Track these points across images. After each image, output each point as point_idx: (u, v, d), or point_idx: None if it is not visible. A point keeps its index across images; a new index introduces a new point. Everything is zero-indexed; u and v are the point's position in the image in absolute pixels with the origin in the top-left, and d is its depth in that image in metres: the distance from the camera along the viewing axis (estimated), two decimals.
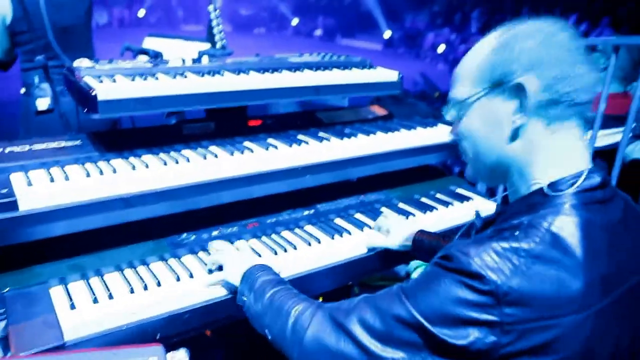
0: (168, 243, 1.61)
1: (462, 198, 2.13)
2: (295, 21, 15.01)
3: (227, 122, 1.94)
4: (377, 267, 1.78)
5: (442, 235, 1.69)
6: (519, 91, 1.00)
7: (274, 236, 1.75)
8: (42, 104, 2.24)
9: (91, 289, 1.39)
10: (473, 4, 13.04)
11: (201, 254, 1.62)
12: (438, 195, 2.15)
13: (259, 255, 1.61)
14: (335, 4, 15.82)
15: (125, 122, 2.53)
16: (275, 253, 1.63)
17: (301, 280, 1.57)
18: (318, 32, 15.45)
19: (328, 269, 1.64)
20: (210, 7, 2.37)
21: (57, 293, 1.38)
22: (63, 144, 1.63)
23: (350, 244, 1.74)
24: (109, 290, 1.38)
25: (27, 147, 1.58)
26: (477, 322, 0.90)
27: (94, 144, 1.67)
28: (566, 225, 0.94)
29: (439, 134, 2.18)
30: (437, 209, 2.03)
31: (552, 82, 0.97)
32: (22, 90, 2.73)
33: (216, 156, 1.67)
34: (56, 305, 1.32)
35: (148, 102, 1.56)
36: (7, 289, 1.36)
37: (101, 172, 1.48)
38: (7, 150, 1.56)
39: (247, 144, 1.81)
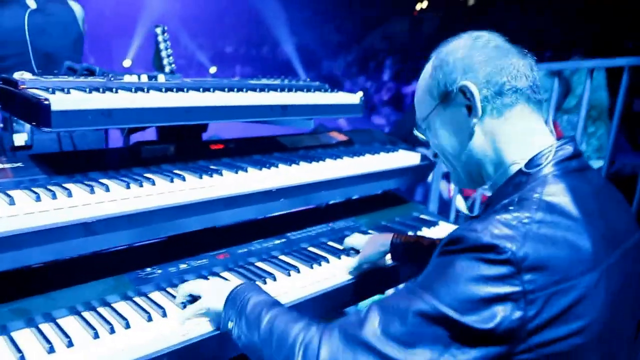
0: (131, 279, 1.37)
1: (429, 223, 2.05)
2: (213, 69, 14.89)
3: (187, 145, 1.74)
4: (363, 293, 1.63)
5: (418, 236, 1.65)
6: (464, 95, 1.08)
7: (248, 267, 1.55)
8: (19, 139, 1.95)
9: (44, 336, 1.12)
10: (387, 53, 13.64)
11: (170, 289, 1.39)
12: (404, 222, 2.06)
13: None
14: (253, 53, 15.91)
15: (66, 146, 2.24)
16: None
17: None
18: (236, 79, 15.30)
19: (313, 298, 1.47)
20: (158, 30, 2.19)
21: None
22: (1, 166, 1.36)
23: (331, 271, 1.58)
24: (67, 336, 1.12)
25: None
26: (501, 298, 0.86)
27: (40, 166, 1.41)
28: (556, 192, 0.97)
29: (401, 159, 2.11)
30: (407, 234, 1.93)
31: (488, 78, 1.05)
32: (0, 125, 2.44)
33: (184, 179, 1.47)
34: None
35: (109, 115, 1.34)
36: None
37: (54, 196, 1.23)
38: None
39: (213, 167, 1.62)
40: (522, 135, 1.07)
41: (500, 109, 1.06)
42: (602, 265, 0.93)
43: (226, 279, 1.47)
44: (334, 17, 16.96)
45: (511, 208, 0.95)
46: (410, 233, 1.92)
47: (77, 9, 2.74)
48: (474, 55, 1.07)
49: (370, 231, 1.93)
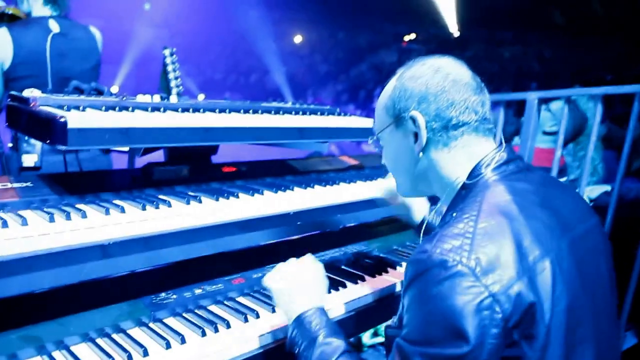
0: (146, 304, 1.30)
1: None
2: (201, 96, 14.92)
3: (199, 166, 1.69)
4: (380, 318, 1.59)
5: None
6: (413, 123, 1.12)
7: (265, 292, 1.48)
8: (29, 160, 1.90)
9: None
10: (376, 82, 13.81)
11: (187, 315, 1.31)
12: (414, 245, 2.01)
13: (256, 314, 1.34)
14: (242, 81, 15.99)
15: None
16: (274, 311, 1.37)
17: None
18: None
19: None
20: (167, 52, 2.15)
21: None
22: (9, 185, 1.29)
23: (348, 295, 1.53)
24: None
25: None
26: (477, 308, 0.87)
27: (50, 186, 1.34)
28: (496, 193, 1.03)
29: None
30: None
31: (438, 112, 1.10)
32: (9, 145, 2.43)
33: (200, 201, 1.41)
34: None
35: (126, 134, 1.29)
36: None
37: (68, 217, 1.17)
38: None
39: (229, 189, 1.56)
40: (463, 157, 1.12)
41: (446, 141, 1.11)
42: (551, 252, 0.96)
43: (243, 304, 1.40)
44: (323, 47, 17.17)
45: (457, 219, 0.99)
46: None
47: (98, 35, 2.74)
48: (430, 87, 1.11)
49: (381, 255, 1.88)
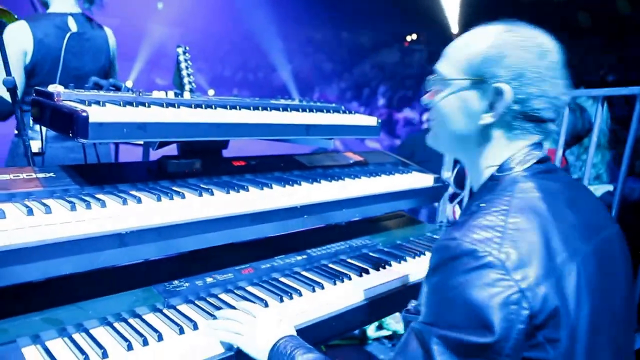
0: (159, 291, 1.33)
1: None
2: (211, 92, 14.94)
3: (211, 160, 1.71)
4: (387, 310, 1.60)
5: None
6: (495, 95, 1.01)
7: (273, 282, 1.51)
8: (33, 146, 1.94)
9: (78, 347, 1.07)
10: (379, 81, 13.80)
11: (199, 302, 1.34)
12: (419, 241, 2.03)
13: (265, 303, 1.37)
14: (250, 77, 15.99)
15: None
16: (281, 300, 1.40)
17: (313, 328, 1.35)
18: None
19: (339, 315, 1.43)
20: (180, 49, 2.17)
21: (32, 354, 1.05)
22: (34, 175, 1.32)
23: (352, 289, 1.55)
24: (101, 347, 1.07)
25: None
26: (504, 303, 0.84)
27: (71, 176, 1.37)
28: (526, 190, 0.99)
29: (415, 180, 2.09)
30: (424, 253, 1.90)
31: (527, 97, 1.00)
32: (15, 131, 2.48)
33: (212, 193, 1.44)
34: None
35: (143, 129, 1.32)
36: None
37: (88, 206, 1.20)
38: None
39: (239, 182, 1.59)
40: (507, 151, 1.06)
41: (514, 128, 1.04)
42: (578, 255, 0.94)
43: (252, 294, 1.43)
44: (327, 46, 17.15)
45: (486, 211, 0.95)
46: (426, 252, 1.90)
47: (110, 35, 2.75)
48: (531, 69, 0.99)
49: (385, 249, 1.91)
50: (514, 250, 0.87)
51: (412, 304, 1.18)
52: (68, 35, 2.45)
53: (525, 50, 1.00)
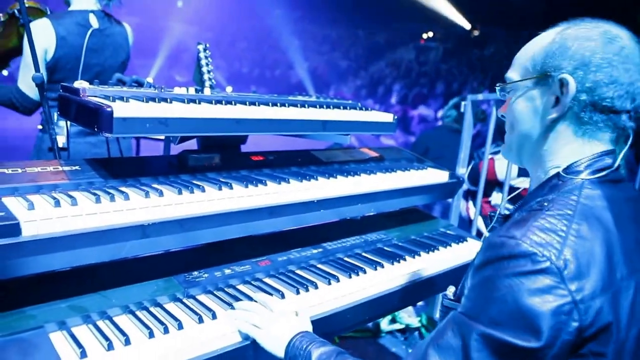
0: (179, 281, 1.34)
1: (457, 239, 2.02)
2: (229, 89, 15.01)
3: (230, 155, 1.72)
4: (403, 302, 1.60)
5: None
6: (560, 87, 0.97)
7: (289, 274, 1.52)
8: (59, 141, 1.97)
9: (102, 334, 1.09)
10: (394, 78, 13.73)
11: (218, 293, 1.36)
12: (433, 236, 2.03)
13: (281, 294, 1.38)
14: (267, 74, 16.03)
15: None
16: (297, 292, 1.41)
17: (328, 320, 1.36)
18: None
19: (354, 307, 1.44)
20: (200, 47, 2.18)
21: (59, 339, 1.07)
22: (60, 168, 1.34)
23: (368, 282, 1.55)
24: (124, 334, 1.09)
25: (19, 170, 1.28)
26: (553, 312, 0.81)
27: (96, 169, 1.39)
28: (593, 197, 0.93)
29: (430, 176, 2.09)
30: (437, 248, 1.90)
31: (595, 85, 0.94)
32: (40, 126, 2.53)
33: (231, 187, 1.45)
34: (62, 355, 1.01)
35: (165, 124, 1.33)
36: None
37: (112, 198, 1.22)
38: None
39: (257, 177, 1.60)
40: (578, 151, 0.99)
41: (584, 121, 0.97)
42: (637, 273, 0.90)
43: (269, 285, 1.44)
44: (343, 44, 17.10)
45: (549, 212, 0.91)
46: (440, 248, 1.90)
47: (129, 30, 2.77)
48: (596, 55, 0.94)
49: (400, 243, 1.91)
50: (574, 259, 0.84)
51: (450, 290, 1.14)
52: (90, 31, 2.47)
53: (588, 39, 0.96)
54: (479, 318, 0.87)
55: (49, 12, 2.52)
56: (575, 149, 1.00)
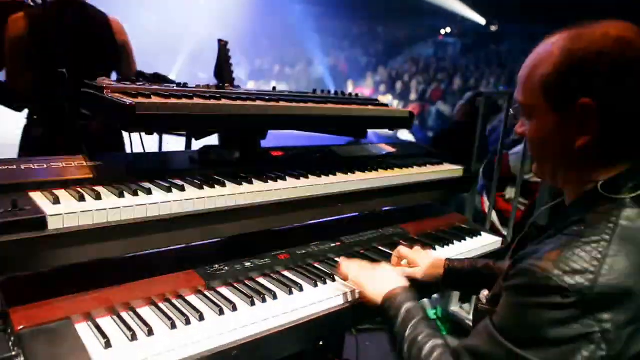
0: (201, 274, 1.34)
1: (471, 233, 1.99)
2: (250, 85, 15.07)
3: (250, 150, 1.72)
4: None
5: (471, 262, 1.54)
6: (581, 111, 0.88)
7: (308, 267, 1.51)
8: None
9: (126, 324, 1.10)
10: (412, 74, 13.61)
11: (237, 285, 1.36)
12: (448, 230, 2.00)
13: (300, 287, 1.37)
14: (288, 71, 16.02)
15: None
16: (315, 285, 1.40)
17: (348, 310, 1.35)
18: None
19: None
20: (222, 43, 2.18)
21: (85, 330, 1.08)
22: (85, 163, 1.35)
23: None
24: (147, 325, 1.09)
25: (44, 165, 1.29)
26: (580, 341, 0.79)
27: (119, 164, 1.40)
28: (633, 219, 0.87)
29: (446, 171, 2.06)
30: (452, 242, 1.87)
31: (618, 97, 0.86)
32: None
33: (251, 182, 1.45)
34: (87, 344, 1.02)
35: (186, 119, 1.33)
36: (22, 326, 1.04)
37: (136, 193, 1.22)
38: (23, 167, 1.26)
39: (277, 172, 1.59)
40: (611, 167, 0.93)
41: (614, 141, 0.91)
42: None
43: (288, 277, 1.43)
44: (363, 40, 17.00)
45: (584, 239, 0.85)
46: (455, 241, 1.87)
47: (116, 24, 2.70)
48: (614, 64, 0.85)
49: (417, 238, 1.88)
50: (606, 289, 0.80)
51: (484, 293, 1.14)
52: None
53: (602, 58, 0.86)
54: (510, 337, 0.87)
55: None
56: (610, 167, 0.94)
